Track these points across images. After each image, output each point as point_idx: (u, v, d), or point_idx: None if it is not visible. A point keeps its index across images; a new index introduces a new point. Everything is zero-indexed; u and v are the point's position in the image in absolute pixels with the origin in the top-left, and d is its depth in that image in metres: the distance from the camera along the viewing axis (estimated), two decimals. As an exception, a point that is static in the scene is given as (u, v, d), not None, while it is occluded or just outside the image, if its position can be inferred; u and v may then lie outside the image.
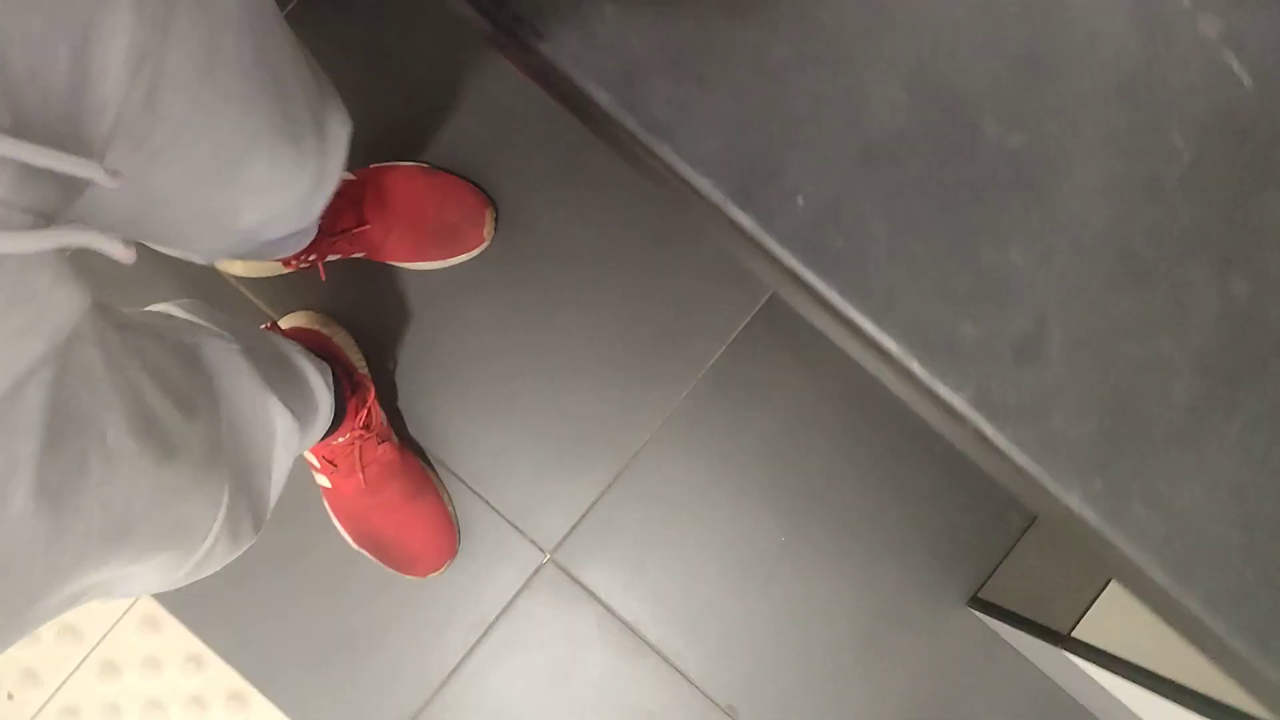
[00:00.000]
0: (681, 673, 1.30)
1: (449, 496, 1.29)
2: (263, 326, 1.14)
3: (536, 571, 1.30)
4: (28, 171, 0.39)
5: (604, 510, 1.31)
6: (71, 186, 0.43)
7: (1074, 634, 1.07)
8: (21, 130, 0.39)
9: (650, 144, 0.47)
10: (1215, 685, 0.81)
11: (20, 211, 0.39)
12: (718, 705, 1.30)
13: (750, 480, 1.31)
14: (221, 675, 1.26)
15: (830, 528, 1.31)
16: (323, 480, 1.20)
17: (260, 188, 0.72)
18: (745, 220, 0.47)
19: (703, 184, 0.47)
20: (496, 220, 1.30)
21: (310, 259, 1.14)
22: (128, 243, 0.45)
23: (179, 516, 0.63)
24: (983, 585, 1.33)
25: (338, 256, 1.20)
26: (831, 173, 0.47)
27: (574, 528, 1.31)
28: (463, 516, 1.30)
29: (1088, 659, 1.03)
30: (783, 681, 1.30)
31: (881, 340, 0.47)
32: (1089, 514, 0.47)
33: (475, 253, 1.29)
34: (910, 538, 1.32)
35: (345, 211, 1.17)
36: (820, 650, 1.31)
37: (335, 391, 1.08)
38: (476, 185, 1.30)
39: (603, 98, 0.47)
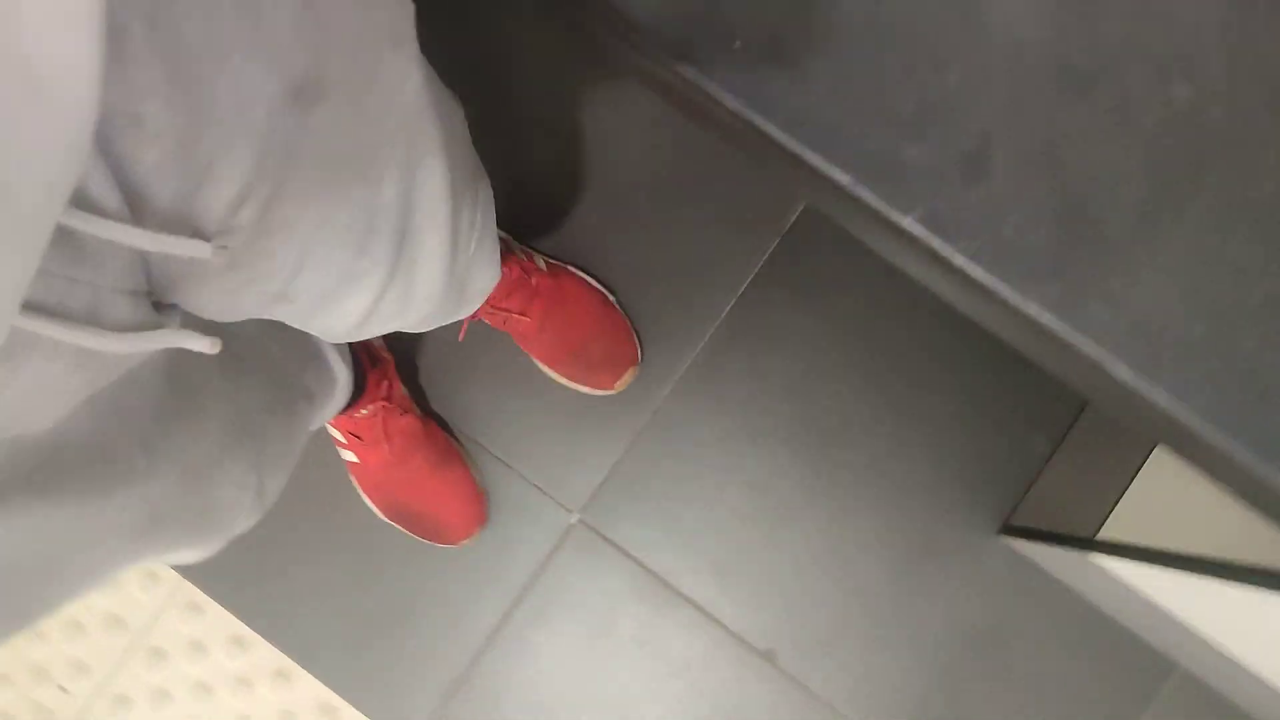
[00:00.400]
0: (717, 620, 1.31)
1: (475, 465, 1.31)
2: None
3: (567, 532, 1.32)
4: (137, 256, 0.41)
5: (629, 467, 1.32)
6: (175, 270, 0.45)
7: (1100, 536, 1.07)
8: (134, 216, 0.40)
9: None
10: (1234, 548, 0.81)
11: (123, 294, 0.41)
12: (756, 650, 1.30)
13: (772, 425, 1.32)
14: (265, 655, 1.29)
15: (856, 466, 1.32)
16: (349, 455, 1.23)
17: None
18: (687, 70, 0.49)
19: (642, 37, 0.49)
20: (636, 378, 1.33)
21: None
22: (214, 340, 0.47)
23: (207, 502, 0.64)
24: (1013, 512, 1.33)
25: (486, 332, 1.24)
26: (766, 13, 0.49)
27: (600, 486, 1.32)
28: (490, 484, 1.32)
29: (1115, 555, 1.03)
30: (819, 622, 1.31)
31: (829, 172, 0.49)
32: (1048, 319, 0.48)
33: (598, 393, 1.32)
34: (937, 470, 1.32)
35: (518, 294, 1.21)
36: (853, 588, 1.31)
37: (355, 365, 1.11)
38: (640, 340, 1.33)
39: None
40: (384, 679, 1.30)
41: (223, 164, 0.42)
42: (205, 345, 0.46)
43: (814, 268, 1.31)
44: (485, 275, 0.84)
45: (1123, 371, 0.48)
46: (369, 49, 0.50)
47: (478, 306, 1.00)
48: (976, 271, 0.48)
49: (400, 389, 1.23)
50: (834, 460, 1.32)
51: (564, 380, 1.30)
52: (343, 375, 1.04)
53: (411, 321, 0.75)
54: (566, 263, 1.31)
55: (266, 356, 0.79)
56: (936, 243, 0.48)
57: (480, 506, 1.29)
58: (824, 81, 0.49)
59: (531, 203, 1.31)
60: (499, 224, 1.26)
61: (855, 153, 0.48)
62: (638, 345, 1.31)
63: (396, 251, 0.62)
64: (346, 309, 0.64)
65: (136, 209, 0.40)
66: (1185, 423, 0.49)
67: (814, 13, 0.49)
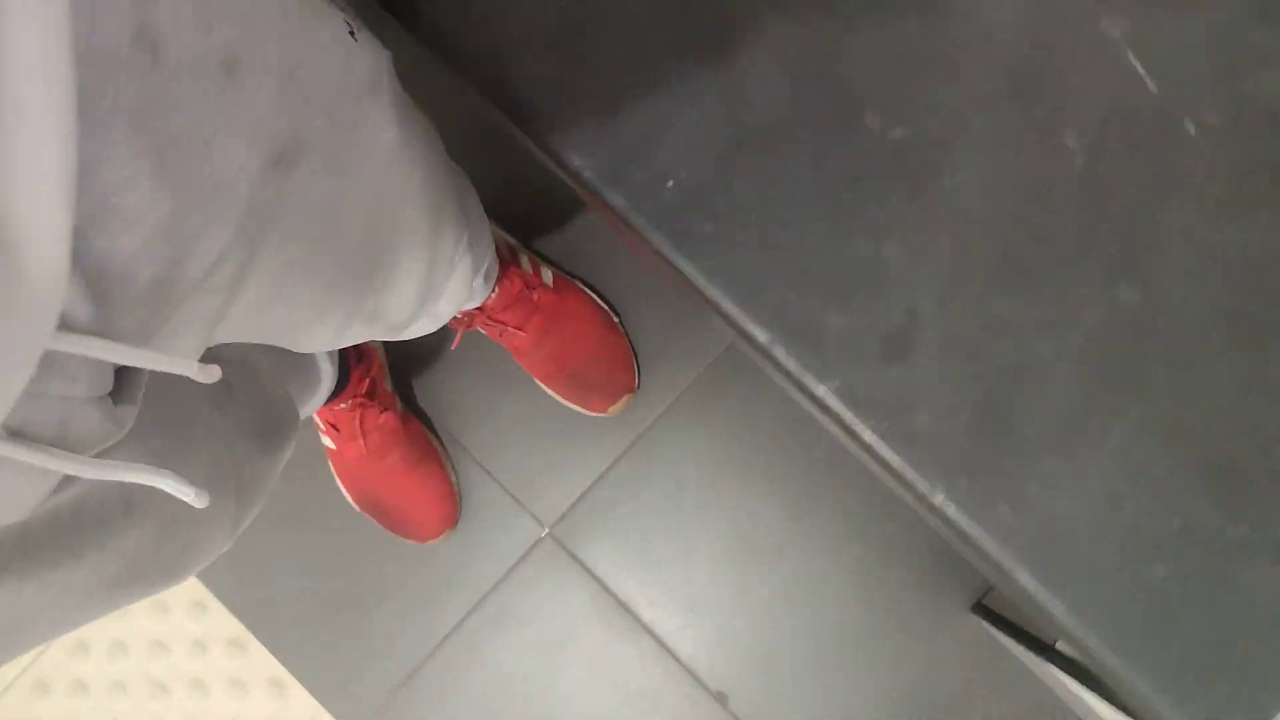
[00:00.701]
0: (674, 654, 1.30)
1: (453, 466, 1.31)
2: None
3: (535, 545, 1.31)
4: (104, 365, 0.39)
5: (607, 488, 1.31)
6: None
7: (1059, 647, 1.04)
8: (102, 327, 0.38)
9: (517, 121, 0.47)
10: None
11: (93, 403, 0.39)
12: (708, 690, 1.30)
13: (758, 467, 1.30)
14: (222, 622, 1.30)
15: (836, 523, 1.30)
16: (327, 442, 1.23)
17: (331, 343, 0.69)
18: (617, 200, 0.47)
19: (573, 162, 0.47)
20: (629, 404, 1.30)
21: (457, 320, 1.17)
22: (200, 493, 0.44)
23: (186, 544, 0.61)
24: (985, 594, 1.30)
25: (483, 335, 1.23)
26: (704, 157, 0.47)
27: (575, 503, 1.31)
28: (465, 486, 1.31)
29: (1068, 672, 1.01)
30: (776, 673, 1.30)
31: (747, 326, 0.47)
32: (953, 512, 0.46)
33: (591, 414, 1.30)
34: (915, 538, 1.29)
35: (517, 308, 1.19)
36: (817, 645, 1.30)
37: (340, 361, 1.10)
38: (639, 367, 1.30)
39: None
40: (337, 662, 1.31)
41: (202, 240, 0.41)
42: (189, 495, 0.44)
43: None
44: (465, 292, 0.82)
45: (1024, 578, 0.46)
46: (349, 104, 0.49)
47: (471, 305, 0.97)
48: (884, 451, 0.46)
49: (384, 384, 1.23)
50: (815, 512, 1.30)
51: (557, 397, 1.29)
52: (327, 376, 1.03)
53: (381, 333, 0.74)
54: (575, 277, 1.29)
55: (256, 377, 0.77)
56: (848, 416, 0.46)
57: (452, 507, 1.28)
58: (753, 234, 0.47)
59: (544, 204, 1.29)
60: (509, 226, 1.25)
61: (776, 312, 0.47)
62: (636, 374, 1.29)
63: (367, 280, 0.61)
64: (314, 334, 0.63)
65: (112, 295, 0.39)
66: (1082, 639, 0.47)
67: (752, 164, 0.47)
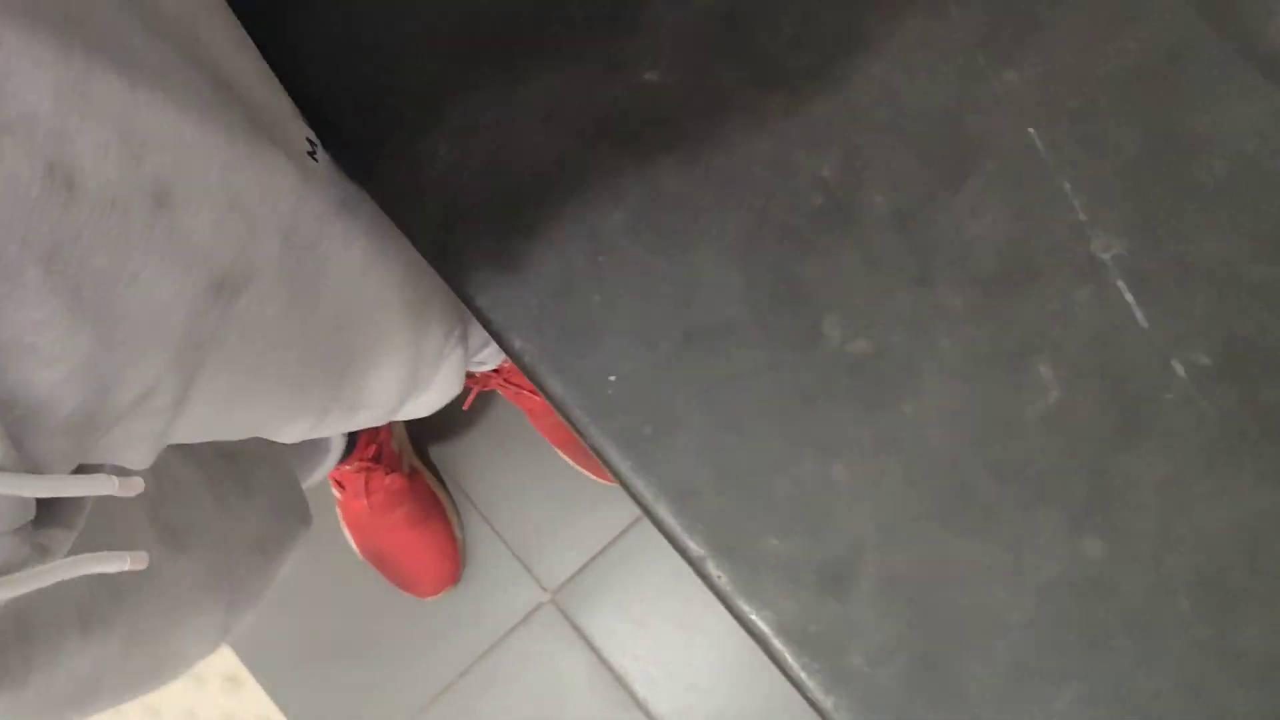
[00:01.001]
0: (666, 737, 1.27)
1: (460, 524, 1.29)
2: None
3: (536, 609, 1.29)
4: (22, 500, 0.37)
5: (613, 558, 1.29)
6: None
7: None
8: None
9: (462, 295, 0.45)
10: None
11: (7, 536, 0.36)
12: (698, 779, 1.27)
13: (768, 553, 1.26)
14: (223, 656, 1.30)
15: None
16: (334, 492, 1.22)
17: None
18: (555, 388, 0.44)
19: (513, 344, 0.44)
20: None
21: (470, 381, 1.16)
22: (137, 555, 0.41)
23: (159, 659, 0.57)
24: None
25: (499, 393, 1.22)
26: (649, 355, 0.44)
27: (580, 570, 1.29)
28: (470, 543, 1.30)
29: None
30: (771, 769, 1.26)
31: (680, 537, 0.44)
32: (876, 768, 0.43)
33: (604, 482, 1.28)
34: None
35: None
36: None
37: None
38: None
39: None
40: (330, 707, 1.30)
41: (131, 371, 0.39)
42: (125, 565, 0.41)
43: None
44: (457, 381, 0.79)
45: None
46: (309, 223, 0.46)
47: (484, 369, 0.94)
48: (812, 688, 0.43)
49: (391, 445, 1.21)
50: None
51: (571, 462, 1.27)
52: (336, 445, 1.02)
53: (365, 422, 0.72)
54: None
55: (272, 469, 0.74)
56: (776, 646, 0.43)
57: (453, 567, 1.27)
58: (694, 441, 0.44)
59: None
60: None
61: (712, 527, 0.43)
62: None
63: (337, 382, 0.59)
64: (288, 430, 0.61)
65: (28, 428, 0.37)
66: None
67: (699, 365, 0.44)
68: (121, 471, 0.42)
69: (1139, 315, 0.42)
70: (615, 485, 1.25)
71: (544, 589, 1.29)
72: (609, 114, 0.44)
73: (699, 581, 1.25)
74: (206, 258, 0.40)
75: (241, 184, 0.41)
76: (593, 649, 1.29)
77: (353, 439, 1.11)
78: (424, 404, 0.77)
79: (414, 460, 1.26)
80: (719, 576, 0.43)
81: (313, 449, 0.97)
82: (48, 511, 0.40)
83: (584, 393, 0.44)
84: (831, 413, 0.43)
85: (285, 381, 0.53)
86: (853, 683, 0.42)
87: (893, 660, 0.42)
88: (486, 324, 0.45)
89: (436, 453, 1.31)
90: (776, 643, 0.43)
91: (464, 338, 0.72)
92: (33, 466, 0.36)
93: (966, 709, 0.42)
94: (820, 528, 0.43)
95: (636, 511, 1.28)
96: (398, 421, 1.23)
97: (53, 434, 0.38)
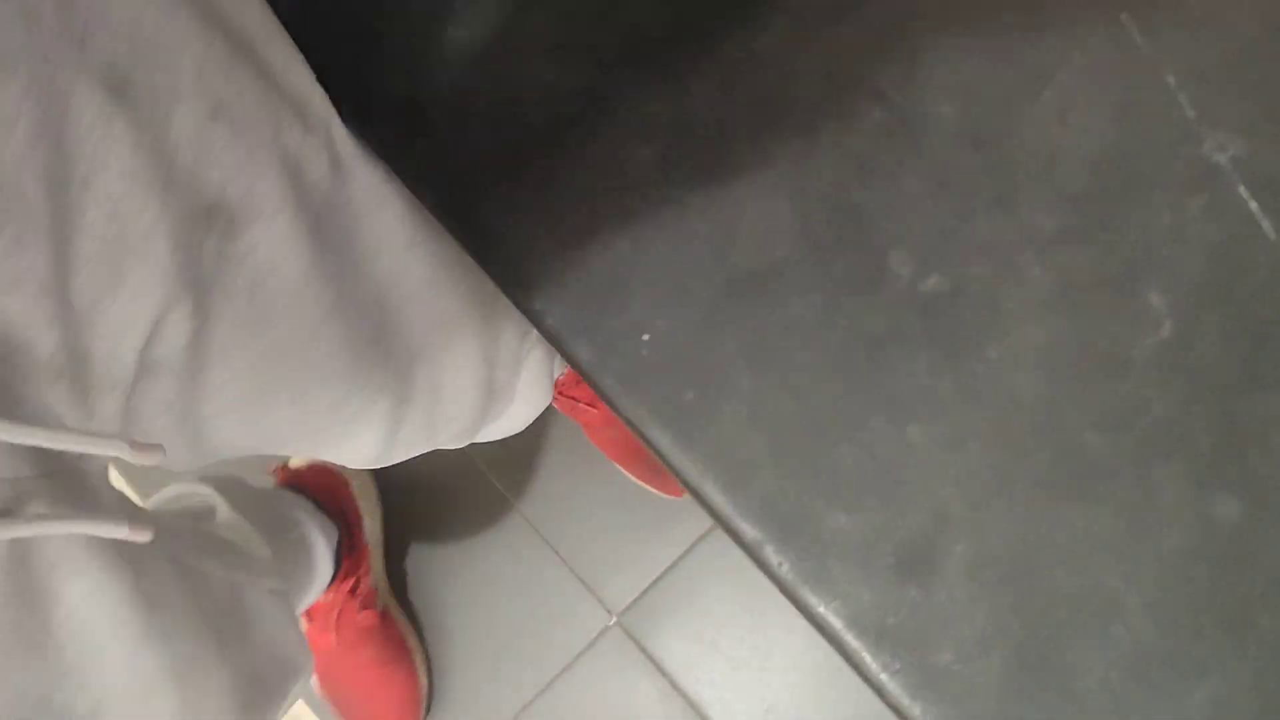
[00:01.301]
0: (745, 764, 1.20)
1: (428, 669, 1.25)
2: (271, 470, 1.12)
3: (602, 633, 1.23)
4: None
5: (680, 577, 1.22)
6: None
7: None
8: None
9: (474, 254, 0.39)
10: None
11: None
12: (780, 806, 1.19)
13: (843, 565, 1.19)
14: None
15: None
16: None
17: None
18: (582, 353, 0.39)
19: (532, 305, 0.39)
20: None
21: None
22: (136, 526, 0.37)
23: None
24: None
25: (554, 408, 1.18)
26: (688, 306, 0.38)
27: (645, 592, 1.23)
28: (532, 567, 1.24)
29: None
30: (855, 791, 1.18)
31: (732, 520, 0.38)
32: (978, 783, 0.36)
33: (665, 497, 1.21)
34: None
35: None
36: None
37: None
38: None
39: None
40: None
41: (113, 304, 0.35)
42: (124, 534, 0.37)
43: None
44: (543, 391, 0.73)
45: None
46: (326, 176, 0.42)
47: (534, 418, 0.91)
48: (894, 691, 0.36)
49: (368, 581, 1.17)
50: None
51: (629, 475, 1.21)
52: (322, 575, 1.00)
53: (446, 442, 0.66)
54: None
55: (275, 618, 0.65)
56: (851, 644, 0.37)
57: (415, 711, 1.22)
58: (744, 406, 0.37)
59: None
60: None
61: (768, 505, 0.37)
62: None
63: (404, 379, 0.54)
64: (354, 441, 0.56)
65: (17, 371, 0.33)
66: None
67: (747, 315, 0.38)
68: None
69: (1266, 226, 0.35)
70: (680, 499, 1.19)
71: (609, 611, 1.23)
72: (629, 33, 0.39)
73: (772, 595, 1.18)
74: (188, 175, 0.35)
75: (227, 94, 0.36)
76: (663, 674, 1.22)
77: (335, 567, 1.07)
78: (510, 419, 0.72)
79: (389, 599, 1.23)
80: (779, 564, 0.37)
81: (307, 574, 0.95)
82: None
83: (615, 356, 0.38)
84: (903, 363, 0.37)
85: (333, 361, 0.48)
86: (942, 683, 0.36)
87: (988, 655, 0.36)
88: (502, 283, 0.39)
89: (494, 473, 1.26)
90: (850, 639, 0.37)
91: (543, 340, 0.66)
92: (28, 417, 0.33)
93: (1077, 711, 0.35)
94: (896, 500, 0.36)
95: (703, 527, 1.21)
96: (376, 558, 1.20)
97: (43, 381, 0.34)
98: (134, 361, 0.38)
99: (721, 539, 1.20)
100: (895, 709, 0.36)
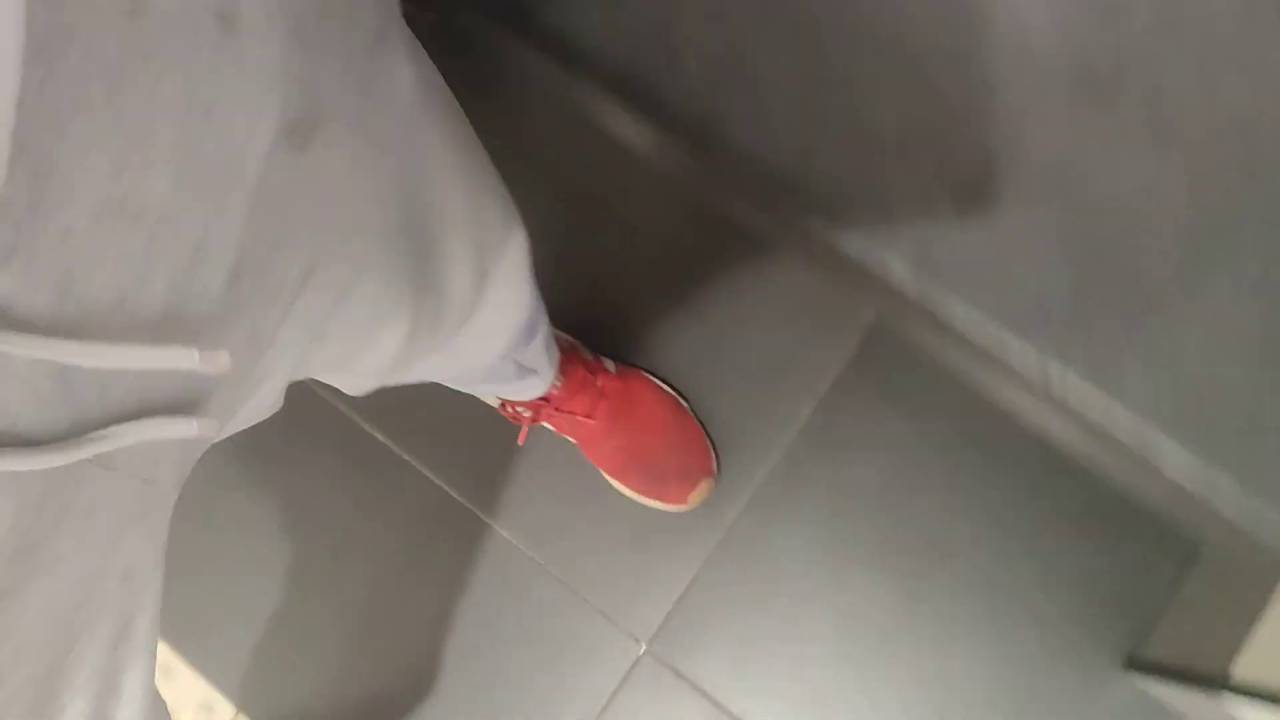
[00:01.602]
0: (807, 769, 1.17)
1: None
2: None
3: (635, 665, 1.21)
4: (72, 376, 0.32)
5: (700, 593, 1.22)
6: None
7: (1235, 675, 0.92)
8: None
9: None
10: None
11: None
12: (849, 802, 1.16)
13: (857, 548, 1.20)
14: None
15: (956, 591, 1.18)
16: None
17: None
18: (636, 94, 0.42)
19: (590, 55, 0.42)
20: (710, 492, 1.22)
21: (523, 414, 1.15)
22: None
23: None
24: (1142, 644, 1.17)
25: (549, 429, 1.20)
26: (727, 15, 0.42)
27: (670, 613, 1.22)
28: (550, 610, 1.23)
29: (1253, 702, 0.88)
30: (917, 770, 1.16)
31: (800, 217, 0.41)
32: (1073, 384, 0.38)
33: (669, 509, 1.23)
34: (1048, 596, 1.17)
35: (582, 395, 1.15)
36: (957, 734, 1.17)
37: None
38: (715, 451, 1.25)
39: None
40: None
41: (218, 228, 0.36)
42: (194, 430, 0.36)
43: (903, 369, 1.18)
44: (514, 292, 0.74)
45: (1173, 457, 0.38)
46: (359, 59, 0.44)
47: (536, 391, 0.91)
48: (977, 320, 0.39)
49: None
50: (930, 585, 1.19)
51: (632, 494, 1.22)
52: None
53: (443, 340, 0.67)
54: (636, 366, 1.24)
55: None
56: (925, 285, 0.40)
57: (709, 457, 1.23)
58: (795, 102, 0.41)
59: (595, 307, 1.25)
60: (564, 326, 1.21)
61: (829, 169, 0.40)
62: (713, 456, 1.21)
63: (422, 270, 0.56)
64: (377, 352, 0.58)
65: (127, 314, 0.33)
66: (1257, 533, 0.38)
67: (782, 11, 0.41)
68: (207, 347, 0.38)
69: None
70: (686, 509, 1.20)
71: (638, 641, 1.22)
72: None
73: (795, 593, 1.19)
74: (278, 94, 0.37)
75: (302, 4, 0.39)
76: (705, 695, 1.20)
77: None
78: (494, 315, 0.72)
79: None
80: (837, 229, 0.40)
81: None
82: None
83: (664, 85, 0.42)
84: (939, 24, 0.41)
85: (371, 254, 0.50)
86: (1019, 297, 0.39)
87: (1057, 277, 0.39)
88: (558, 37, 0.43)
89: (497, 519, 1.25)
90: (923, 281, 0.39)
91: (521, 246, 0.69)
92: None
93: (1149, 302, 0.38)
94: (936, 143, 0.40)
95: (714, 538, 1.22)
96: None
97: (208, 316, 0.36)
98: (222, 284, 0.38)
99: (733, 548, 1.20)
100: (982, 350, 0.39)
